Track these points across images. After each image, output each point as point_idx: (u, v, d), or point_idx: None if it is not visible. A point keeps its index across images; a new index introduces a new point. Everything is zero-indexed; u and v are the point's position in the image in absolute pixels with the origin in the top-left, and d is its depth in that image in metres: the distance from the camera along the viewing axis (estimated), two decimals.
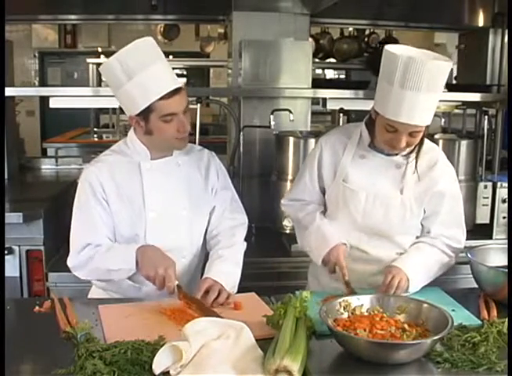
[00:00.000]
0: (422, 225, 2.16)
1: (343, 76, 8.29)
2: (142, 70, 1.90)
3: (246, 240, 2.22)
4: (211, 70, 9.29)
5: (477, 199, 3.14)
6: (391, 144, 1.98)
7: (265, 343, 1.53)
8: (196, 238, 2.16)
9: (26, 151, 5.06)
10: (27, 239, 2.88)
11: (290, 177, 3.17)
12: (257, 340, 1.56)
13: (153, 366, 1.44)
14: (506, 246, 2.12)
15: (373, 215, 2.10)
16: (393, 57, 1.86)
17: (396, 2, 3.40)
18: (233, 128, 3.44)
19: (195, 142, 2.80)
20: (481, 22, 3.82)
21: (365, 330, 1.61)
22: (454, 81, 4.74)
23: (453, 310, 1.85)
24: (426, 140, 2.07)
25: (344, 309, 1.73)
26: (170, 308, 1.87)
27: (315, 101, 3.86)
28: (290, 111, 3.23)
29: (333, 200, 2.17)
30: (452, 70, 5.09)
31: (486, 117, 3.35)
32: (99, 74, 6.68)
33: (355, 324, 1.63)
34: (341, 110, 3.36)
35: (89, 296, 2.17)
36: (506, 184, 3.06)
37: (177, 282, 1.90)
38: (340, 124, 3.32)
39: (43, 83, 9.03)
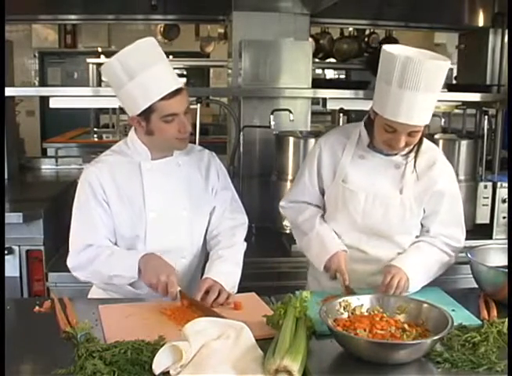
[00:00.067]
0: (421, 224, 2.16)
1: (343, 76, 8.29)
2: (143, 71, 1.90)
3: (246, 240, 2.22)
4: (211, 70, 9.29)
5: (477, 199, 3.14)
6: (390, 144, 1.98)
7: (265, 343, 1.53)
8: (197, 238, 2.16)
9: (26, 151, 5.06)
10: (27, 239, 2.88)
11: (290, 177, 3.17)
12: (257, 340, 1.56)
13: (153, 366, 1.44)
14: (506, 246, 2.12)
15: (372, 215, 2.10)
16: (391, 57, 1.86)
17: (396, 2, 3.40)
18: (233, 128, 3.44)
19: (195, 143, 2.80)
20: (481, 22, 3.82)
21: (365, 330, 1.61)
22: (454, 81, 4.74)
23: (453, 310, 1.85)
24: (424, 140, 2.07)
25: (344, 309, 1.73)
26: (170, 308, 1.87)
27: (315, 101, 3.86)
28: (290, 111, 3.23)
29: (332, 201, 2.17)
30: (451, 70, 5.11)
31: (486, 117, 3.35)
32: (99, 74, 6.70)
33: (355, 324, 1.63)
34: (341, 110, 3.36)
35: (89, 296, 2.17)
36: (506, 184, 3.06)
37: (179, 288, 1.89)
38: (340, 124, 3.32)
39: (43, 83, 9.03)
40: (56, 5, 3.69)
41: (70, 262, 2.04)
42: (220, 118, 7.54)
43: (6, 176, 3.56)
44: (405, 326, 1.65)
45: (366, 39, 4.86)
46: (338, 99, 3.48)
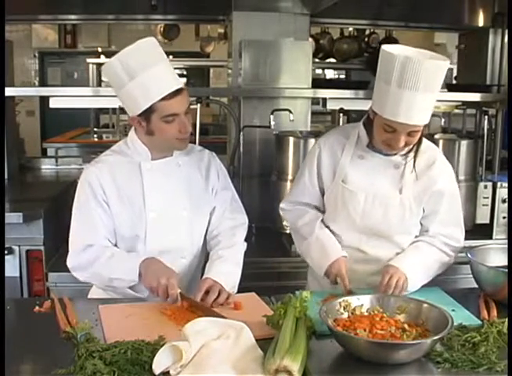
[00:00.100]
0: (421, 224, 2.16)
1: (343, 76, 8.30)
2: (144, 71, 1.90)
3: (246, 240, 2.22)
4: (211, 70, 9.29)
5: (477, 199, 3.14)
6: (389, 144, 1.97)
7: (265, 343, 1.53)
8: (197, 238, 2.16)
9: (26, 151, 5.07)
10: (27, 239, 2.89)
11: (290, 177, 3.17)
12: (257, 340, 1.56)
13: (153, 366, 1.44)
14: (506, 246, 2.12)
15: (372, 215, 2.10)
16: (390, 57, 1.86)
17: (396, 2, 3.40)
18: (233, 128, 3.44)
19: (195, 143, 2.80)
20: (481, 22, 3.82)
21: (365, 330, 1.61)
22: (454, 81, 4.74)
23: (453, 310, 1.85)
24: (424, 139, 2.07)
25: (344, 309, 1.73)
26: (170, 308, 1.87)
27: (315, 101, 3.86)
28: (290, 111, 3.23)
29: (332, 202, 2.17)
30: (451, 70, 5.11)
31: (486, 117, 3.35)
32: (99, 74, 6.70)
33: (355, 324, 1.63)
34: (341, 110, 3.36)
35: (89, 296, 2.17)
36: (506, 184, 3.06)
37: (179, 290, 1.89)
38: (340, 124, 3.32)
39: (43, 83, 9.03)
40: (56, 5, 3.69)
41: (70, 262, 2.04)
42: (220, 118, 7.54)
43: (6, 176, 3.56)
44: (405, 326, 1.65)
45: (366, 39, 4.86)
46: (338, 99, 3.48)
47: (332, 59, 5.09)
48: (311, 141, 3.10)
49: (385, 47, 1.91)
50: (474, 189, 3.15)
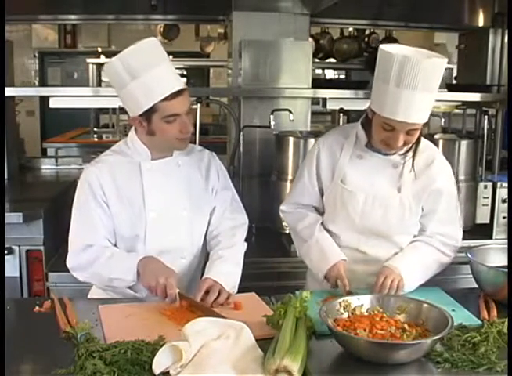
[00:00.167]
0: (419, 223, 2.16)
1: (343, 76, 8.29)
2: (145, 71, 1.90)
3: (246, 240, 2.22)
4: (211, 70, 9.29)
5: (477, 199, 3.14)
6: (388, 143, 1.97)
7: (265, 343, 1.53)
8: (197, 238, 2.16)
9: (26, 151, 5.06)
10: (27, 239, 2.89)
11: (290, 177, 3.17)
12: (257, 340, 1.56)
13: (153, 366, 1.44)
14: (506, 246, 2.11)
15: (371, 216, 2.10)
16: (388, 56, 1.86)
17: (396, 2, 3.40)
18: (233, 128, 3.44)
19: (195, 143, 2.80)
20: (481, 22, 3.82)
21: (365, 330, 1.61)
22: (454, 81, 4.74)
23: (453, 310, 1.85)
24: (422, 138, 2.07)
25: (344, 309, 1.73)
26: (170, 308, 1.87)
27: (315, 101, 3.86)
28: (290, 111, 3.23)
29: (331, 202, 2.17)
30: (451, 69, 5.11)
31: (486, 117, 3.35)
32: (99, 74, 6.69)
33: (355, 324, 1.64)
34: (341, 110, 3.35)
35: (89, 296, 2.18)
36: (506, 184, 3.06)
37: (178, 290, 1.89)
38: (340, 124, 3.32)
39: (43, 83, 9.03)
40: (56, 5, 3.69)
41: (70, 262, 2.04)
42: (220, 118, 7.54)
43: (6, 176, 3.56)
44: (405, 326, 1.65)
45: (366, 39, 4.86)
46: (338, 99, 3.48)
47: (332, 59, 5.08)
48: (311, 141, 3.10)
49: (383, 46, 1.91)
50: (474, 189, 3.15)
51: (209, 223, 2.19)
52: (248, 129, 3.37)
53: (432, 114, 4.74)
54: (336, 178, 2.14)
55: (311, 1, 3.28)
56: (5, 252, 2.81)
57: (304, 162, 2.28)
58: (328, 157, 2.16)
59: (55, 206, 3.10)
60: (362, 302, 1.76)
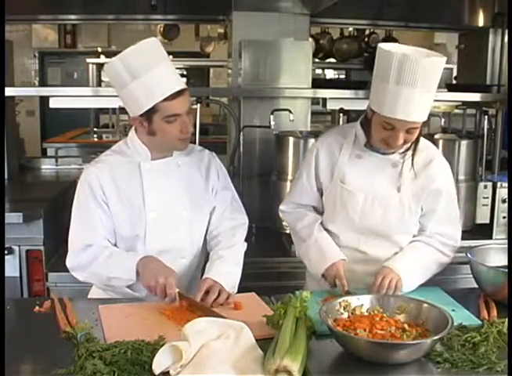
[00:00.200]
0: (419, 223, 2.16)
1: (343, 76, 8.29)
2: (146, 71, 1.90)
3: (246, 240, 2.22)
4: (211, 70, 9.29)
5: (477, 199, 3.14)
6: (388, 142, 1.97)
7: (265, 343, 1.53)
8: (197, 238, 2.16)
9: (26, 151, 5.07)
10: (27, 239, 2.89)
11: (290, 177, 3.17)
12: (257, 340, 1.56)
13: (153, 366, 1.44)
14: (506, 246, 2.11)
15: (371, 216, 2.10)
16: (387, 55, 1.86)
17: (396, 2, 3.40)
18: (233, 128, 3.44)
19: (195, 143, 2.80)
20: (481, 22, 3.82)
21: (365, 330, 1.61)
22: (454, 81, 4.74)
23: (453, 310, 1.85)
24: (421, 138, 2.07)
25: (344, 309, 1.73)
26: (170, 308, 1.87)
27: (315, 101, 3.86)
28: (290, 111, 3.23)
29: (330, 202, 2.17)
30: (451, 69, 5.11)
31: (486, 117, 3.35)
32: (98, 74, 6.69)
33: (355, 324, 1.63)
34: (341, 110, 3.35)
35: (89, 296, 2.18)
36: (506, 184, 3.06)
37: (178, 289, 1.89)
38: (340, 124, 3.32)
39: (43, 83, 9.03)
40: (56, 5, 3.69)
41: (69, 262, 2.04)
42: (220, 118, 7.54)
43: (6, 176, 3.56)
44: (405, 326, 1.65)
45: (366, 39, 4.86)
46: (338, 99, 3.48)
47: (332, 59, 5.09)
48: (311, 141, 3.10)
49: (382, 45, 1.92)
50: (474, 189, 3.15)
51: (209, 223, 2.19)
52: (248, 129, 3.37)
53: (432, 114, 4.75)
54: (335, 178, 2.14)
55: (311, 1, 3.28)
56: (5, 252, 2.81)
57: (303, 163, 2.28)
58: (327, 157, 2.16)
59: (55, 206, 3.10)
60: (362, 302, 1.75)
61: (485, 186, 3.13)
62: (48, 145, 5.56)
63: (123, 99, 2.00)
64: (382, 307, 1.75)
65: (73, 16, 4.13)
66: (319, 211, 2.25)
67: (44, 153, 5.43)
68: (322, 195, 2.22)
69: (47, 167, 4.32)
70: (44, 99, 5.82)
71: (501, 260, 2.10)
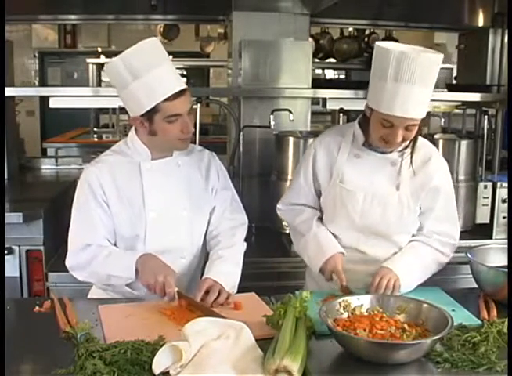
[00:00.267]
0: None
1: (343, 76, 8.29)
2: (147, 71, 1.90)
3: (246, 240, 2.22)
4: (211, 70, 9.29)
5: (477, 199, 3.14)
6: (387, 140, 1.98)
7: (265, 343, 1.53)
8: (197, 238, 2.16)
9: (26, 151, 5.07)
10: (27, 239, 2.89)
11: (289, 177, 3.17)
12: (257, 340, 1.56)
13: (153, 366, 1.44)
14: (506, 246, 2.12)
15: (370, 214, 2.10)
16: (385, 52, 1.88)
17: (396, 2, 3.40)
18: (233, 128, 3.44)
19: (195, 143, 2.80)
20: (481, 22, 3.82)
21: (365, 330, 1.61)
22: (454, 81, 4.74)
23: (453, 310, 1.85)
24: (419, 136, 2.07)
25: (344, 309, 1.73)
26: (170, 308, 1.87)
27: (315, 101, 3.86)
28: (290, 111, 3.23)
29: (330, 202, 2.17)
30: (451, 69, 5.10)
31: (486, 117, 3.36)
32: (98, 74, 6.69)
33: (354, 324, 1.63)
34: (341, 110, 3.36)
35: (89, 296, 2.18)
36: (506, 184, 3.06)
37: (177, 288, 1.89)
38: (340, 124, 3.32)
39: (43, 83, 9.03)
40: (56, 5, 3.69)
41: (69, 261, 2.04)
42: (220, 118, 7.54)
43: (6, 176, 3.56)
44: (405, 326, 1.65)
45: (366, 39, 4.86)
46: (338, 99, 3.48)
47: (332, 59, 5.09)
48: (311, 141, 3.09)
49: (379, 43, 1.94)
50: (473, 189, 3.15)
51: (209, 223, 2.19)
52: (248, 129, 3.37)
53: (432, 114, 4.75)
54: (334, 178, 2.14)
55: (311, 1, 3.28)
56: (5, 252, 2.81)
57: (300, 163, 2.28)
58: (325, 156, 2.16)
59: (55, 206, 3.10)
60: (362, 302, 1.76)
61: (485, 186, 3.13)
62: (48, 145, 5.56)
63: (123, 99, 2.00)
64: (382, 307, 1.75)
65: (73, 16, 4.13)
66: (317, 210, 2.25)
67: (44, 153, 5.43)
68: (319, 196, 2.22)
69: (47, 167, 4.32)
70: (44, 99, 5.81)
71: (501, 260, 2.10)
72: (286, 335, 1.50)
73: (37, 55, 9.08)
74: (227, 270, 2.05)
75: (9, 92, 3.20)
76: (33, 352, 1.59)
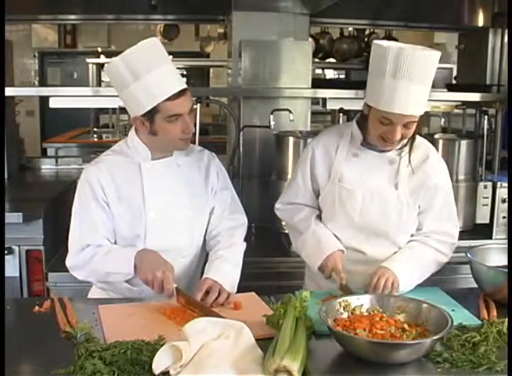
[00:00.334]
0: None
1: (343, 76, 8.29)
2: (147, 72, 1.90)
3: (245, 240, 2.22)
4: (211, 70, 9.29)
5: (477, 199, 3.14)
6: (386, 137, 1.98)
7: (265, 343, 1.53)
8: (197, 238, 2.16)
9: (26, 151, 5.06)
10: (27, 239, 2.89)
11: (289, 177, 3.16)
12: (257, 340, 1.56)
13: (153, 366, 1.44)
14: (506, 246, 2.12)
15: (369, 213, 2.10)
16: (383, 50, 1.88)
17: (396, 2, 3.40)
18: (233, 128, 3.44)
19: (195, 143, 2.80)
20: (481, 22, 3.82)
21: (364, 330, 1.61)
22: (454, 81, 4.74)
23: (453, 310, 1.85)
24: (416, 135, 2.08)
25: (344, 308, 1.72)
26: (170, 308, 1.87)
27: (315, 101, 3.86)
28: (290, 111, 3.23)
29: (328, 202, 2.17)
30: (451, 69, 5.10)
31: (486, 117, 3.36)
32: (98, 74, 6.69)
33: (354, 324, 1.63)
34: (341, 110, 3.36)
35: (89, 296, 2.17)
36: (506, 184, 3.06)
37: (175, 285, 1.89)
38: (340, 123, 3.32)
39: (43, 83, 9.03)
40: (56, 5, 3.69)
41: (69, 261, 2.05)
42: (220, 118, 7.54)
43: (6, 176, 3.56)
44: (405, 326, 1.65)
45: (366, 39, 4.86)
46: (338, 99, 3.48)
47: (332, 59, 5.09)
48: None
49: (377, 41, 1.95)
50: (473, 189, 3.15)
51: (208, 223, 2.19)
52: (248, 129, 3.37)
53: (432, 114, 4.76)
54: (333, 177, 2.14)
55: (311, 1, 3.28)
56: (5, 252, 2.81)
57: (298, 164, 2.28)
58: (323, 156, 2.16)
59: (55, 206, 3.10)
60: (362, 302, 1.76)
61: (485, 186, 3.13)
62: (48, 145, 5.57)
63: (124, 100, 2.00)
64: (382, 307, 1.75)
65: (73, 16, 4.13)
66: (316, 209, 2.25)
67: (44, 153, 5.44)
68: (317, 196, 2.22)
69: (47, 167, 4.32)
70: (44, 99, 5.81)
71: (501, 260, 2.10)
72: (286, 335, 1.50)
73: (37, 55, 9.07)
74: (227, 270, 2.05)
75: (8, 92, 3.20)
76: (33, 352, 1.59)
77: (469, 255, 2.07)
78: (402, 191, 2.08)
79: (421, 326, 1.67)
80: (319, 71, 7.57)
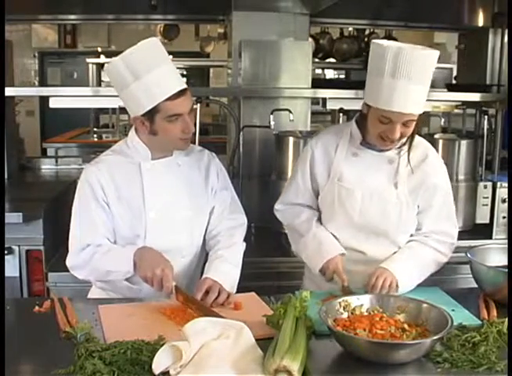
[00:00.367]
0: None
1: (343, 76, 8.29)
2: (148, 72, 1.90)
3: (245, 240, 2.22)
4: (211, 70, 9.29)
5: (477, 199, 3.14)
6: (385, 136, 1.98)
7: (265, 343, 1.53)
8: (197, 238, 2.16)
9: (26, 151, 5.06)
10: (27, 239, 2.88)
11: (289, 177, 3.17)
12: (257, 340, 1.56)
13: (153, 366, 1.44)
14: (506, 246, 2.12)
15: (369, 212, 2.10)
16: (382, 49, 1.89)
17: (396, 2, 3.40)
18: (233, 128, 3.44)
19: (195, 143, 2.80)
20: (481, 22, 3.82)
21: (364, 330, 1.61)
22: (454, 81, 4.74)
23: (453, 310, 1.85)
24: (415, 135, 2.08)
25: (344, 308, 1.73)
26: (170, 308, 1.87)
27: (315, 101, 3.86)
28: (290, 111, 3.23)
29: (328, 201, 2.17)
30: (451, 69, 5.11)
31: (486, 117, 3.36)
32: (98, 74, 6.69)
33: (354, 324, 1.64)
34: (341, 110, 3.36)
35: (89, 296, 2.18)
36: (506, 184, 3.06)
37: (174, 283, 1.89)
38: (340, 123, 3.32)
39: (43, 83, 9.03)
40: (56, 5, 3.69)
41: (70, 261, 2.05)
42: (220, 118, 7.54)
43: (6, 176, 3.56)
44: (405, 326, 1.65)
45: (366, 39, 4.86)
46: (338, 99, 3.48)
47: (332, 59, 5.09)
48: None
49: (376, 41, 1.96)
50: (473, 189, 3.15)
51: (208, 223, 2.19)
52: (248, 129, 3.37)
53: (432, 114, 4.75)
54: (332, 177, 2.14)
55: (311, 1, 3.28)
56: (5, 252, 2.81)
57: (297, 163, 2.28)
58: (323, 156, 2.16)
59: (55, 206, 3.10)
60: (362, 302, 1.76)
61: (485, 186, 3.13)
62: (48, 145, 5.56)
63: (124, 100, 2.00)
64: (382, 307, 1.75)
65: (73, 16, 4.13)
66: (315, 211, 2.25)
67: (44, 153, 5.43)
68: (317, 196, 2.22)
69: (47, 167, 4.31)
70: (44, 99, 5.80)
71: (501, 260, 2.10)
72: (286, 335, 1.50)
73: (37, 55, 9.07)
74: (226, 270, 2.05)
75: (8, 92, 3.20)
76: (33, 352, 1.59)
77: (469, 255, 2.07)
78: (402, 190, 2.08)
79: (421, 326, 1.67)
80: (319, 71, 7.57)
